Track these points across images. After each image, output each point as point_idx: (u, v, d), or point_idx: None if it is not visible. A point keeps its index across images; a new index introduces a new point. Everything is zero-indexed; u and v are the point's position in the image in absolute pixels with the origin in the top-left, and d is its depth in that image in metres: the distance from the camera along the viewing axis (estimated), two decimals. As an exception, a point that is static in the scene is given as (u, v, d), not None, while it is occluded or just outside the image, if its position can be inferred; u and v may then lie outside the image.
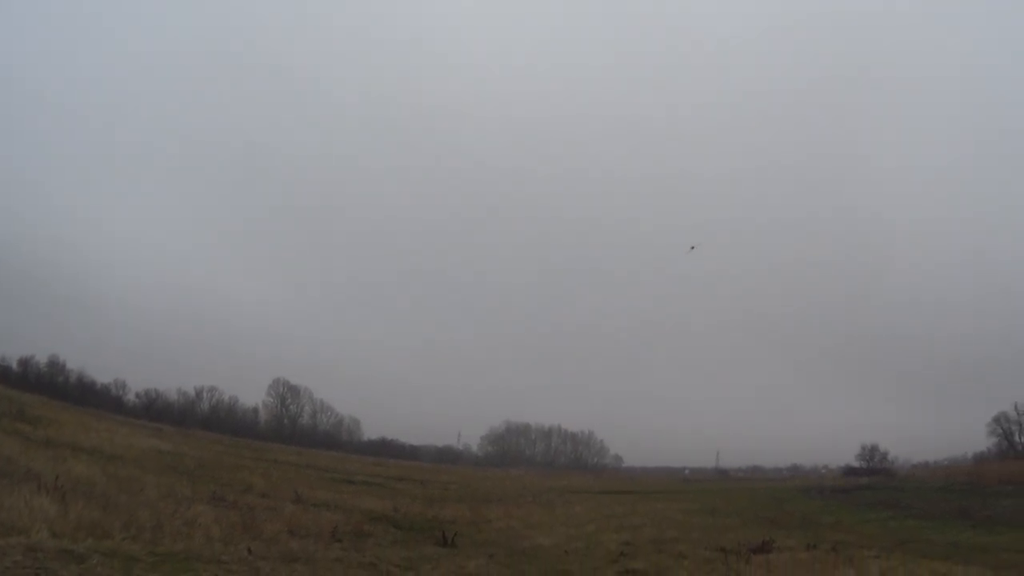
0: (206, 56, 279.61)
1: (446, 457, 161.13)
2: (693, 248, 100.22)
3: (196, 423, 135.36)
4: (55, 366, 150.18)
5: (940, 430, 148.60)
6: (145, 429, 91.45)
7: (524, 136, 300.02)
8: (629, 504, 55.90)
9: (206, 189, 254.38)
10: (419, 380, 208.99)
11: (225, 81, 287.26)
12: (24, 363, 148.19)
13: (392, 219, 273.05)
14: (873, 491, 63.18)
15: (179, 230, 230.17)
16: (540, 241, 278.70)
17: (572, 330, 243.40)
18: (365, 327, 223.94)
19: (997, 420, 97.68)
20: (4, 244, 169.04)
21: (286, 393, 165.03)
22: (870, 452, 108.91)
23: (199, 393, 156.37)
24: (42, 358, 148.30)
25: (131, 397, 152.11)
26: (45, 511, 17.50)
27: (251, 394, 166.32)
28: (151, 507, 21.91)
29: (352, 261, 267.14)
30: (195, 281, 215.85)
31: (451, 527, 28.46)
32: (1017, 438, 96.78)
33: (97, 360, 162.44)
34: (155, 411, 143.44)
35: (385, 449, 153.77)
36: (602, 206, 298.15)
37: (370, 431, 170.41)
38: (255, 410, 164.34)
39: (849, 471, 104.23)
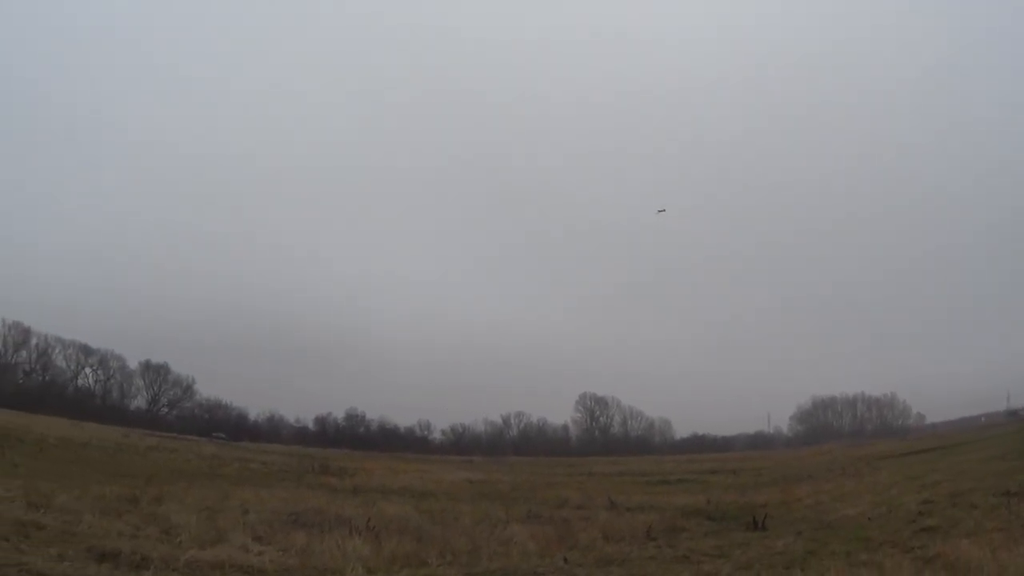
0: (455, 94, 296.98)
1: (758, 443, 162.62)
2: (662, 211, 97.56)
3: (507, 450, 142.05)
4: (354, 418, 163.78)
5: None
6: (454, 463, 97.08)
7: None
8: (930, 462, 55.89)
9: (461, 220, 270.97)
10: (718, 370, 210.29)
11: (472, 110, 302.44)
12: (321, 421, 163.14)
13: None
14: None
15: (441, 267, 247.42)
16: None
17: (853, 290, 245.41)
18: (654, 327, 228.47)
19: None
20: (291, 318, 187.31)
21: (593, 406, 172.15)
22: None
23: (506, 420, 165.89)
24: (338, 414, 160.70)
25: (436, 435, 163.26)
26: (358, 551, 19.53)
27: (559, 413, 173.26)
28: (466, 533, 23.95)
29: (615, 265, 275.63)
30: (472, 314, 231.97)
31: (761, 511, 29.35)
32: None
33: (396, 406, 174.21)
34: (463, 445, 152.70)
35: (698, 445, 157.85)
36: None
37: (681, 429, 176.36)
38: (565, 427, 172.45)
39: None
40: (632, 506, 35.41)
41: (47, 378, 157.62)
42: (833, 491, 40.03)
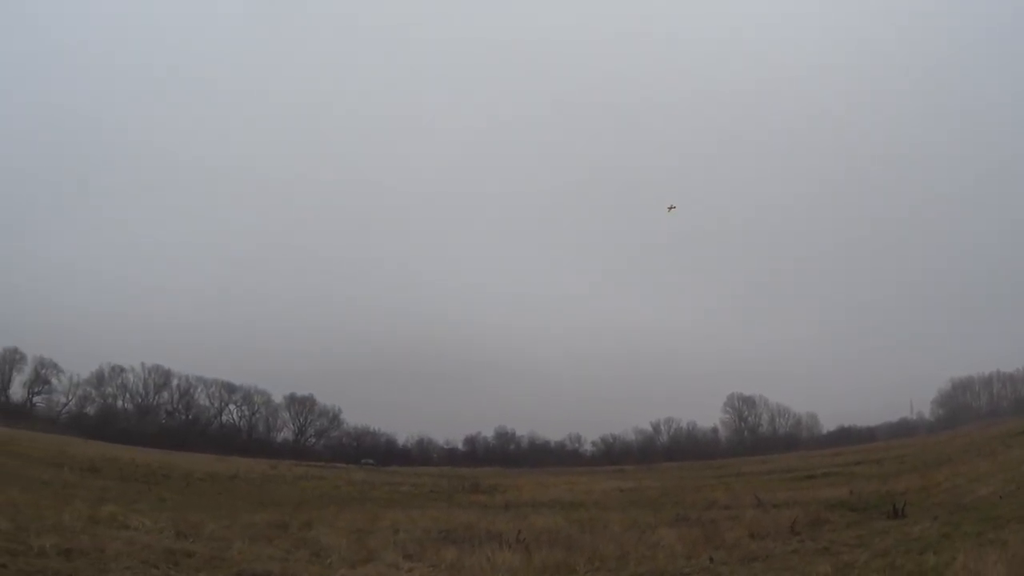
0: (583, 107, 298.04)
1: (901, 431, 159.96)
2: (673, 208, 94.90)
3: (658, 457, 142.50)
4: (503, 436, 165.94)
5: None
6: (604, 473, 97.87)
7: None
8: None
9: (596, 232, 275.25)
10: (859, 360, 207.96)
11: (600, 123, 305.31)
12: (471, 441, 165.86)
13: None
14: None
15: (579, 280, 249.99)
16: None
17: (977, 265, 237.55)
18: (794, 321, 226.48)
19: None
20: (434, 341, 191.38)
21: (741, 406, 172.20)
22: None
23: (656, 427, 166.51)
24: (488, 433, 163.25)
25: (587, 447, 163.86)
26: (508, 563, 20.44)
27: (708, 415, 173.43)
28: (615, 540, 24.65)
29: (750, 262, 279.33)
30: (613, 324, 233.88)
31: (901, 498, 29.72)
32: None
33: (546, 421, 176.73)
34: (614, 455, 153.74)
35: (844, 437, 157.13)
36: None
37: (828, 423, 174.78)
38: (714, 430, 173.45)
39: None
40: (778, 503, 35.85)
41: (190, 417, 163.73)
42: (968, 473, 39.99)
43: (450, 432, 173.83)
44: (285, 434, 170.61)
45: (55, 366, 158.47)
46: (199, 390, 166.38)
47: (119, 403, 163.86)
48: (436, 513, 37.03)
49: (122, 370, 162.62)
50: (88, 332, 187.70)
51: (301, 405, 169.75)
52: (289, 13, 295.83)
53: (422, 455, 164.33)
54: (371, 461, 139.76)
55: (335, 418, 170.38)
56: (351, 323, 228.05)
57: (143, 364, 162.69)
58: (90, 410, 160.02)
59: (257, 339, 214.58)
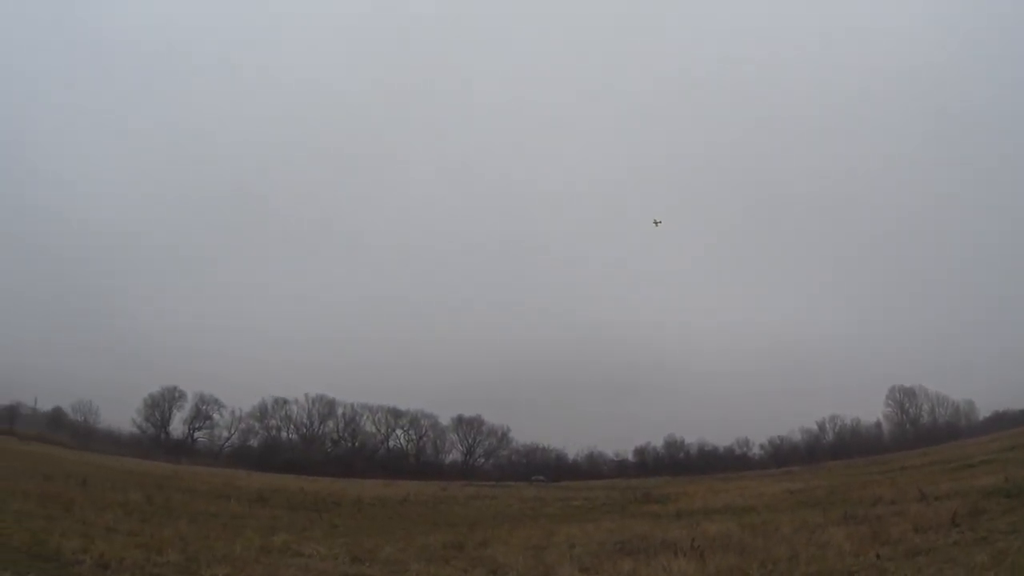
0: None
1: None
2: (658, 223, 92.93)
3: (824, 455, 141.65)
4: (672, 445, 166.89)
5: None
6: (773, 476, 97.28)
7: None
8: None
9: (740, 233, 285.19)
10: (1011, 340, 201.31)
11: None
12: (640, 452, 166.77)
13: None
14: None
15: (735, 285, 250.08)
16: None
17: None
18: (943, 307, 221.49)
19: None
20: (599, 355, 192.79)
21: (903, 398, 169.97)
22: None
23: (821, 426, 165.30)
24: (657, 443, 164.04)
25: (755, 451, 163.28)
26: (684, 570, 21.14)
27: (870, 410, 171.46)
28: (785, 541, 25.21)
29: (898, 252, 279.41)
30: (772, 326, 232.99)
31: None
32: None
33: (714, 428, 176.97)
34: (781, 457, 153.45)
35: (1000, 423, 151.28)
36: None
37: (984, 409, 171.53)
38: (877, 424, 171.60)
39: None
40: (939, 495, 35.51)
41: (356, 444, 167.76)
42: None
43: (619, 444, 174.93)
44: (454, 456, 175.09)
45: (216, 401, 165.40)
46: (364, 417, 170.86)
47: (283, 434, 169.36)
48: (610, 525, 37.65)
49: (285, 402, 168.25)
50: (248, 372, 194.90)
51: (469, 426, 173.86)
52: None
53: (592, 469, 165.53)
54: (541, 478, 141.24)
55: (504, 437, 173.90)
56: (517, 343, 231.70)
57: (306, 395, 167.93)
58: (254, 442, 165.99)
59: (421, 365, 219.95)
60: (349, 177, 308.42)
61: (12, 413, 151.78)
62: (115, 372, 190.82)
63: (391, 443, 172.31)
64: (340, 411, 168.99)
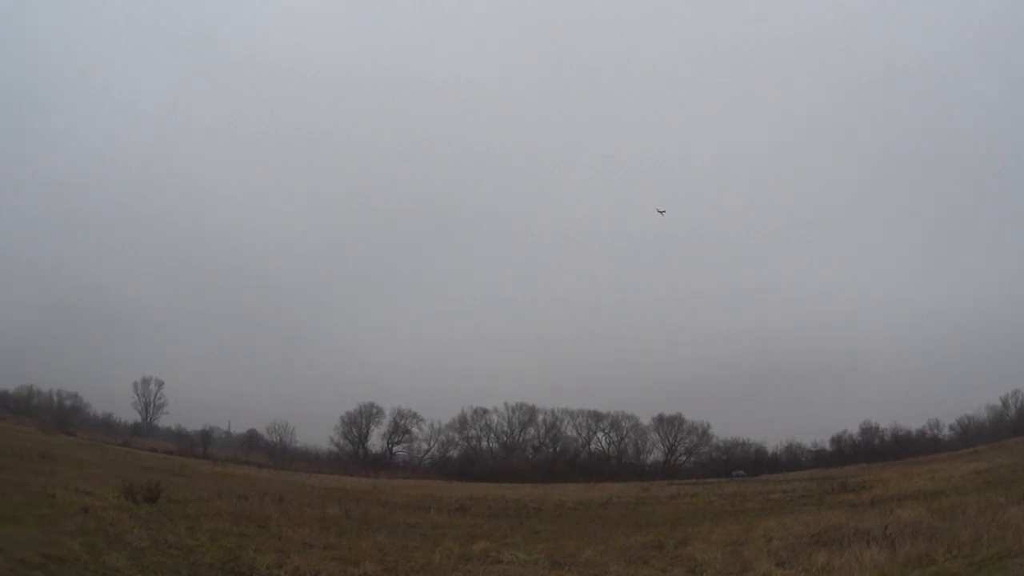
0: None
1: None
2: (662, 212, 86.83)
3: (1005, 432, 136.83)
4: (868, 431, 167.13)
5: None
6: (962, 456, 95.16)
7: None
8: None
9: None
10: None
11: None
12: (836, 440, 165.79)
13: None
14: None
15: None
16: None
17: None
18: None
19: None
20: (793, 346, 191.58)
21: None
22: None
23: (1004, 401, 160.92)
24: (853, 430, 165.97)
25: (945, 432, 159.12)
26: (875, 560, 21.67)
27: None
28: (970, 524, 25.38)
29: None
30: (944, 304, 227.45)
31: None
32: None
33: (906, 410, 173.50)
34: (969, 436, 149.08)
35: None
36: None
37: None
38: None
39: None
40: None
41: (557, 449, 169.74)
42: None
43: (816, 434, 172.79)
44: (655, 455, 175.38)
45: (414, 415, 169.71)
46: (565, 422, 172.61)
47: (484, 444, 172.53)
48: (807, 517, 37.58)
49: (485, 411, 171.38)
50: (446, 384, 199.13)
51: (670, 425, 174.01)
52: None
53: (790, 460, 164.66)
54: (742, 472, 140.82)
55: (704, 434, 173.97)
56: (713, 339, 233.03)
57: (506, 403, 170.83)
58: (453, 453, 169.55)
59: (619, 365, 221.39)
60: (529, 184, 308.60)
61: (206, 438, 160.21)
62: (310, 393, 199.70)
63: (592, 446, 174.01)
64: (541, 417, 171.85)
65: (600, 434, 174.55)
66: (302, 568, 21.92)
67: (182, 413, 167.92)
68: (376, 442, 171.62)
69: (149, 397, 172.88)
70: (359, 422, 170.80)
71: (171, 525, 28.56)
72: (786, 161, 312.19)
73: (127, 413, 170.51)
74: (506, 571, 25.05)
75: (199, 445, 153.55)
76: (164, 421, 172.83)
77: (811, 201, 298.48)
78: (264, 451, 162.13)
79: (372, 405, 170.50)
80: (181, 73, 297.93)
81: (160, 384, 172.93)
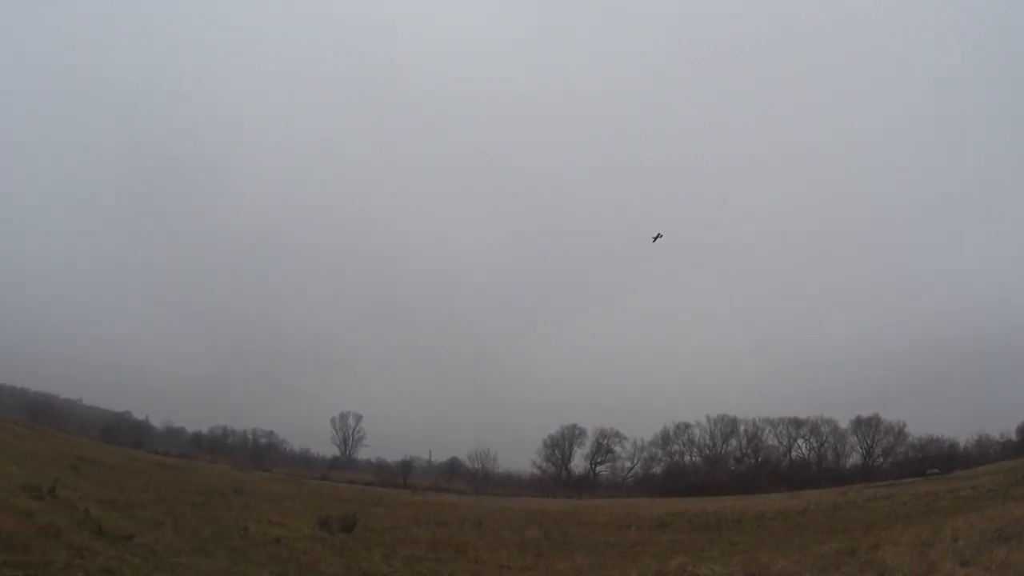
0: None
1: None
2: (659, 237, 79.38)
3: None
4: None
5: None
6: None
7: None
8: None
9: None
10: None
11: None
12: (1021, 430, 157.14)
13: None
14: None
15: None
16: None
17: None
18: None
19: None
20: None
21: None
22: None
23: None
24: None
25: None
26: None
27: None
28: None
29: None
30: None
31: None
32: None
33: None
34: None
35: None
36: None
37: None
38: None
39: None
40: None
41: (759, 459, 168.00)
42: None
43: (1004, 422, 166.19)
44: (853, 458, 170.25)
45: (617, 434, 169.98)
46: (766, 431, 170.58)
47: (686, 458, 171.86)
48: (992, 512, 36.60)
49: (687, 426, 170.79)
50: (647, 400, 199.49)
51: (867, 426, 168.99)
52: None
53: (981, 454, 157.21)
54: (936, 471, 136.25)
55: (900, 432, 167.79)
56: (910, 333, 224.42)
57: (708, 416, 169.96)
58: (657, 470, 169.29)
59: (814, 366, 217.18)
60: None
61: (406, 468, 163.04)
62: (512, 418, 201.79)
63: (793, 454, 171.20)
64: (742, 428, 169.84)
65: (800, 441, 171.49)
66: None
67: (382, 445, 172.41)
68: (579, 463, 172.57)
69: (348, 431, 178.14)
70: (562, 444, 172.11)
71: (366, 553, 29.44)
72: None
73: (325, 448, 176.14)
74: (699, 585, 24.58)
75: (399, 475, 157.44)
76: (363, 454, 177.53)
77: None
78: (465, 478, 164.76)
79: (575, 426, 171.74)
80: (371, 113, 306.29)
81: (359, 418, 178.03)
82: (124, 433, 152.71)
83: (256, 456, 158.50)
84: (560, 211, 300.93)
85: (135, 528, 26.16)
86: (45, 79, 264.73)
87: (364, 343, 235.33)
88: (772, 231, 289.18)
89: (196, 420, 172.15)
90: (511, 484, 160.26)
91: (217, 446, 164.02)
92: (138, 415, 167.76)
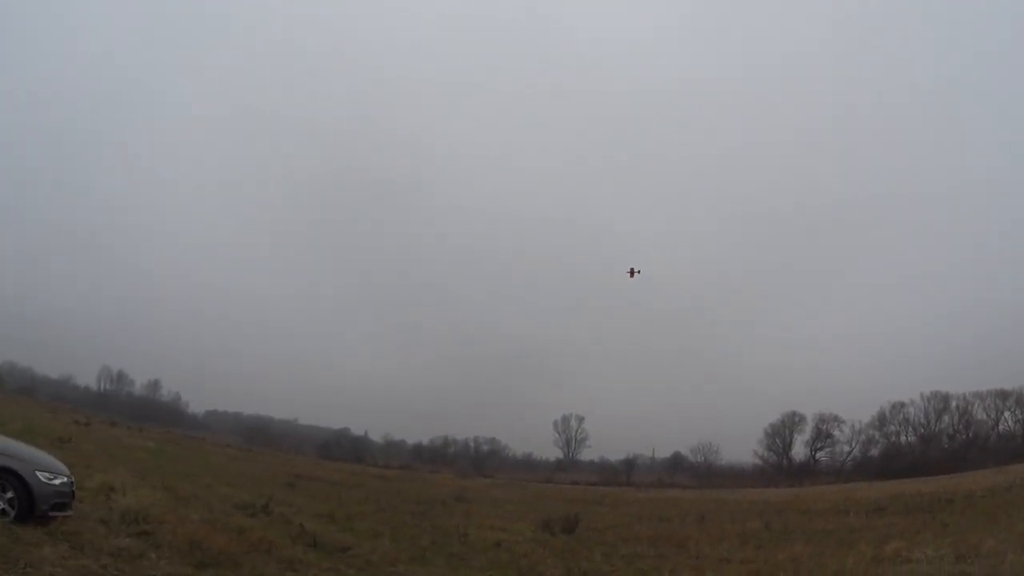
0: None
1: None
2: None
3: None
4: None
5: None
6: None
7: None
8: None
9: None
10: None
11: None
12: None
13: None
14: None
15: None
16: None
17: None
18: None
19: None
20: None
21: None
22: None
23: None
24: None
25: None
26: None
27: None
28: None
29: None
30: None
31: None
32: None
33: None
34: None
35: None
36: None
37: None
38: None
39: None
40: None
41: (969, 435, 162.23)
42: None
43: None
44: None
45: (835, 418, 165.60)
46: (975, 405, 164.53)
47: (902, 438, 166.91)
48: None
49: (902, 405, 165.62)
50: (863, 381, 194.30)
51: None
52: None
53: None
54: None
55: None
56: None
57: (921, 394, 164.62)
58: (873, 452, 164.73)
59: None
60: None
61: (629, 465, 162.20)
62: (733, 409, 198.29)
63: (1000, 428, 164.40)
64: (954, 404, 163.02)
65: (1007, 414, 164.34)
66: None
67: (604, 445, 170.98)
68: (799, 450, 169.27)
69: (570, 433, 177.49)
70: (782, 432, 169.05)
71: (587, 553, 29.81)
72: None
73: (548, 451, 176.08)
74: (913, 570, 24.80)
75: (622, 473, 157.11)
76: (586, 455, 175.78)
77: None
78: (688, 472, 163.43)
79: (794, 413, 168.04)
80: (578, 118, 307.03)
81: (580, 419, 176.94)
82: (343, 449, 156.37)
83: (478, 463, 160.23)
84: (766, 191, 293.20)
85: (352, 540, 27.18)
86: (258, 119, 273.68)
87: (583, 345, 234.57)
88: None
89: (416, 432, 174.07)
90: (733, 476, 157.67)
91: (438, 456, 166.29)
92: (356, 432, 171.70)
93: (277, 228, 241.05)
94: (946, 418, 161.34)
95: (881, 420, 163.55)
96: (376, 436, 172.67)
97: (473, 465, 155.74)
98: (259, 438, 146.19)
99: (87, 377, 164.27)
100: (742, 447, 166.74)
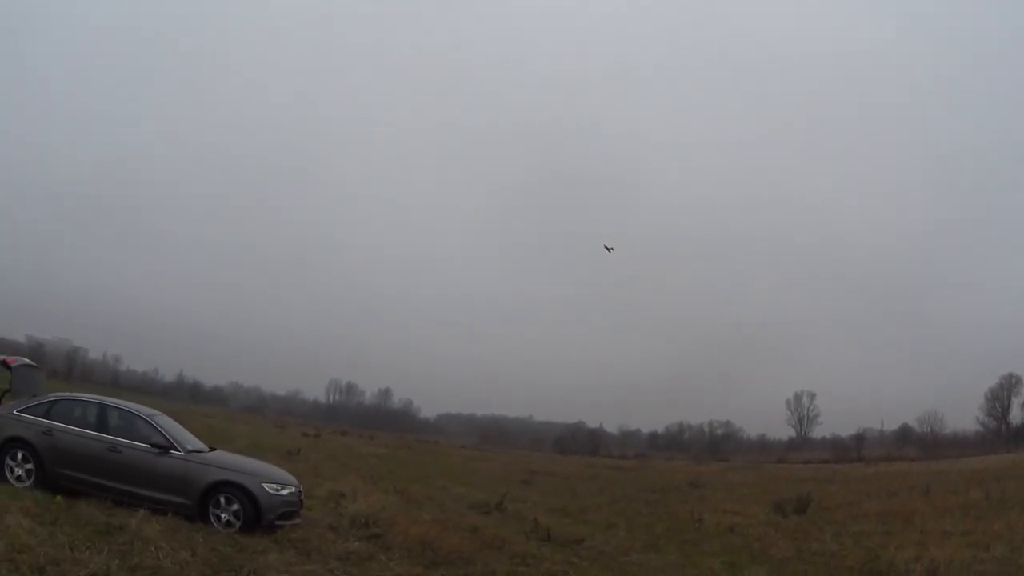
0: None
1: None
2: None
3: None
4: None
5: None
6: None
7: None
8: None
9: None
10: None
11: None
12: None
13: None
14: None
15: None
16: None
17: None
18: None
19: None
20: None
21: None
22: None
23: None
24: None
25: None
26: None
27: None
28: None
29: None
30: None
31: None
32: None
33: None
34: None
35: None
36: None
37: None
38: None
39: None
40: None
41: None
42: None
43: None
44: None
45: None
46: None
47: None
48: None
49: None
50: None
51: None
52: None
53: None
54: None
55: None
56: None
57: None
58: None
59: None
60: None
61: (859, 441, 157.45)
62: (955, 376, 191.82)
63: None
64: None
65: None
66: (937, 559, 21.30)
67: (836, 421, 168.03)
68: (1017, 413, 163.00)
69: (802, 411, 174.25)
70: (1000, 396, 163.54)
71: (817, 533, 29.04)
72: None
73: (781, 431, 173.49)
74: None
75: (852, 449, 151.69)
76: (818, 432, 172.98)
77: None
78: (915, 444, 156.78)
79: (1011, 375, 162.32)
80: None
81: (812, 396, 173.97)
82: (578, 443, 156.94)
83: (712, 448, 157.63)
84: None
85: (586, 532, 27.18)
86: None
87: (810, 323, 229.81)
88: None
89: (651, 421, 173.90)
90: (957, 444, 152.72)
91: (673, 443, 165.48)
92: (591, 425, 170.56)
93: (504, 239, 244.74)
94: None
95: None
96: (611, 428, 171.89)
97: (708, 450, 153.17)
98: (494, 437, 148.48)
99: (315, 392, 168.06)
100: (966, 414, 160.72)
